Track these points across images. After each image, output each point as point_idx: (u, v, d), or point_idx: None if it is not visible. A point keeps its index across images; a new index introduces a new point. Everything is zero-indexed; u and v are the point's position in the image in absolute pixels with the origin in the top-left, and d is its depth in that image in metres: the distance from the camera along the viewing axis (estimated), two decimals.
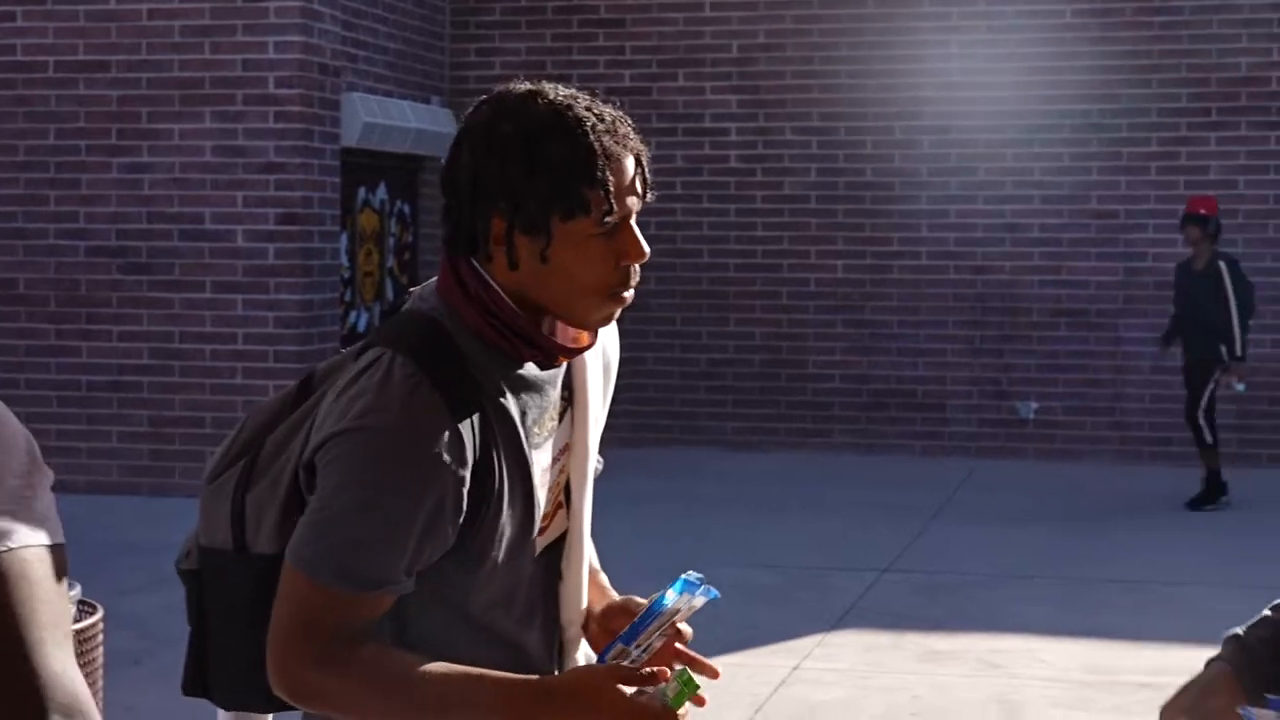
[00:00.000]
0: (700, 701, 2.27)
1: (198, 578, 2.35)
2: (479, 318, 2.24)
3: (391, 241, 14.45)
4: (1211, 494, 12.18)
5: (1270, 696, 2.34)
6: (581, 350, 2.34)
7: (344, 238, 13.29)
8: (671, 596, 2.29)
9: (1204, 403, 12.31)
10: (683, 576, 2.30)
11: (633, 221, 2.26)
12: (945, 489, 12.75)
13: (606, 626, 2.48)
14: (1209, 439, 12.27)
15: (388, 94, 13.95)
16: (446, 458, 2.16)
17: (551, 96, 2.23)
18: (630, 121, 2.29)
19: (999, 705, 6.98)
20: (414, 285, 15.10)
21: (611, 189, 2.20)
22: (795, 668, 7.29)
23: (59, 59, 12.24)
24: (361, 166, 13.60)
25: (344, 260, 13.31)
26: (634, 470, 12.77)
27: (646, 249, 2.26)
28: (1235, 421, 13.84)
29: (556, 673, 2.38)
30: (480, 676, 2.20)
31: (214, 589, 2.33)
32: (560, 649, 2.46)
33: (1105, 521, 11.42)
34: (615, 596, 2.57)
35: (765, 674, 7.17)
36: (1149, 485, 12.92)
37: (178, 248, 12.15)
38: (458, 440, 2.17)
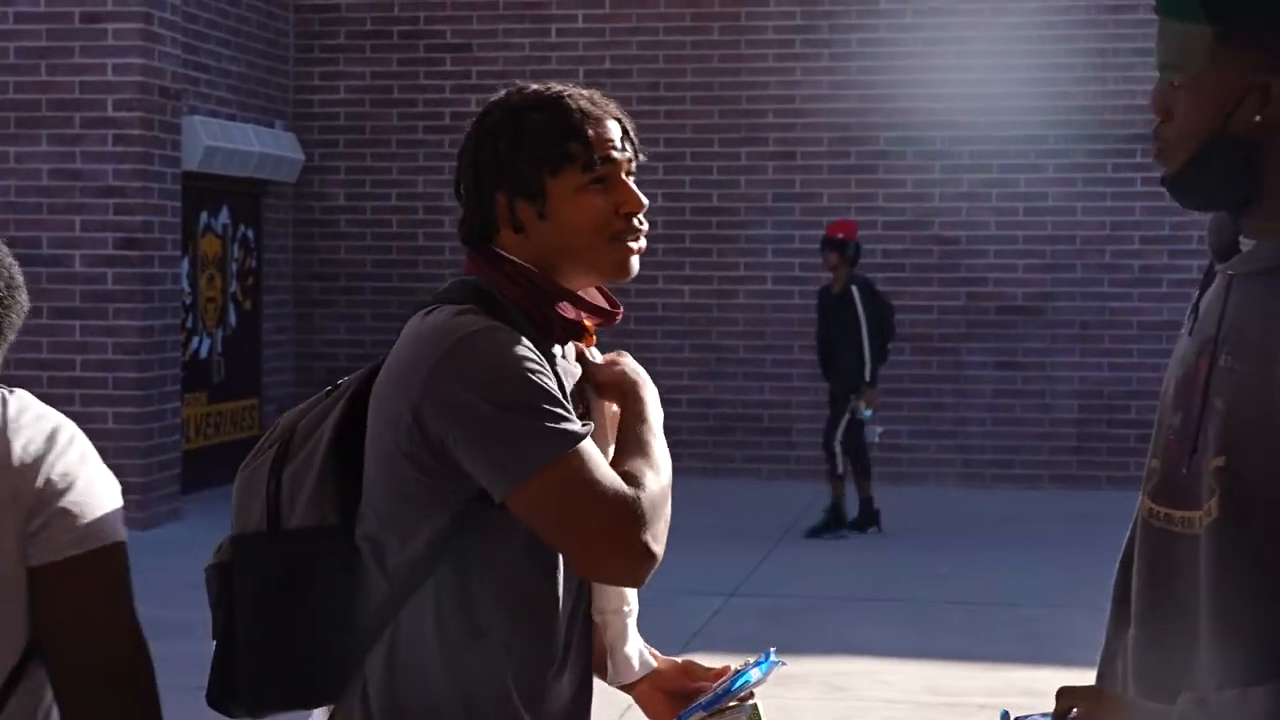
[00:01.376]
0: None
1: (225, 572, 2.38)
2: (513, 286, 2.40)
3: (234, 266, 14.30)
4: (835, 522, 12.13)
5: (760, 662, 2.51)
6: (608, 316, 2.53)
7: (185, 263, 13.13)
8: (756, 675, 2.49)
9: (840, 430, 12.21)
10: (770, 654, 2.52)
11: (625, 176, 2.46)
12: (791, 512, 12.85)
13: (661, 686, 2.69)
14: (839, 469, 12.19)
15: (230, 117, 13.83)
16: (529, 351, 2.31)
17: (534, 86, 2.50)
18: (612, 100, 2.51)
19: None
20: (257, 310, 14.91)
21: (592, 141, 2.41)
22: (630, 706, 7.30)
23: None
24: (203, 190, 13.45)
25: (185, 286, 13.16)
26: None
27: (644, 200, 2.46)
28: (1075, 444, 14.09)
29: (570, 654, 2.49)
30: (623, 436, 2.45)
31: (244, 577, 2.36)
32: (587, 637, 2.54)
33: (947, 543, 11.58)
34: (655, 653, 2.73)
35: (612, 696, 7.17)
36: (990, 507, 13.10)
37: None
38: (532, 352, 2.31)
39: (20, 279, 2.30)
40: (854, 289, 12.04)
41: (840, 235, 12.16)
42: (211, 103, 13.58)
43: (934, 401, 14.52)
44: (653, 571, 2.30)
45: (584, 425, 2.31)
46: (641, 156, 2.51)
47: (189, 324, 13.33)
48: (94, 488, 2.14)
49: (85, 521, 2.09)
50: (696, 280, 14.54)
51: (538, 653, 2.38)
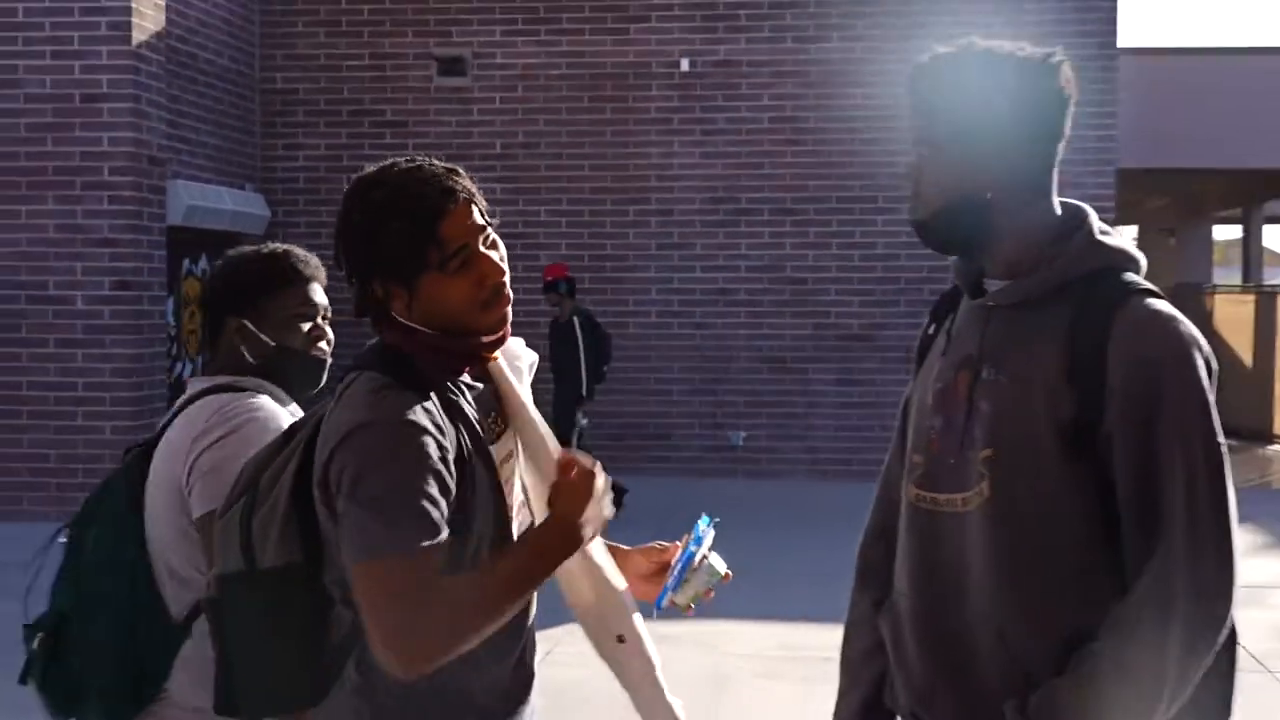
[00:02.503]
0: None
1: (218, 605, 2.31)
2: (408, 341, 2.28)
3: None
4: None
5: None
6: (501, 339, 2.36)
7: (171, 301, 12.99)
8: (705, 542, 2.46)
9: (574, 437, 11.87)
10: (702, 518, 2.48)
11: (481, 248, 2.28)
12: (668, 503, 12.86)
13: (635, 573, 2.60)
14: None
15: (208, 181, 13.71)
16: (428, 426, 2.16)
17: (391, 184, 2.27)
18: (462, 171, 2.32)
19: (711, 678, 7.09)
20: None
21: (445, 240, 2.23)
22: (549, 652, 7.31)
23: None
24: (186, 241, 13.31)
25: (170, 320, 13.01)
26: None
27: (503, 267, 2.30)
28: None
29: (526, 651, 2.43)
30: (514, 549, 2.24)
31: (232, 609, 2.30)
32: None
33: (798, 528, 11.65)
34: (627, 550, 2.64)
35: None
36: (834, 498, 13.18)
37: (25, 310, 11.77)
38: (431, 419, 2.18)
39: None
40: (575, 320, 11.93)
41: (549, 278, 12.12)
42: (192, 169, 13.45)
43: (787, 412, 14.62)
44: (425, 667, 2.10)
45: (429, 537, 2.10)
46: (494, 220, 2.34)
47: (174, 352, 13.18)
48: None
49: None
50: (595, 314, 14.55)
51: (489, 650, 2.28)
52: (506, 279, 2.32)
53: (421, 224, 2.24)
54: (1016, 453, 2.17)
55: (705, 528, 2.47)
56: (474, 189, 2.32)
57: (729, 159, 14.63)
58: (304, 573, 2.24)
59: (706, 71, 14.68)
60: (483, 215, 2.31)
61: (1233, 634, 2.21)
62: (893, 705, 2.42)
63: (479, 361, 2.36)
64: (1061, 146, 2.26)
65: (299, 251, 3.07)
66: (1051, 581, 2.16)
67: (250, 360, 2.96)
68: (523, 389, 2.44)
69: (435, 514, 2.12)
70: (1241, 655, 2.11)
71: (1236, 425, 17.53)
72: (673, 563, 2.50)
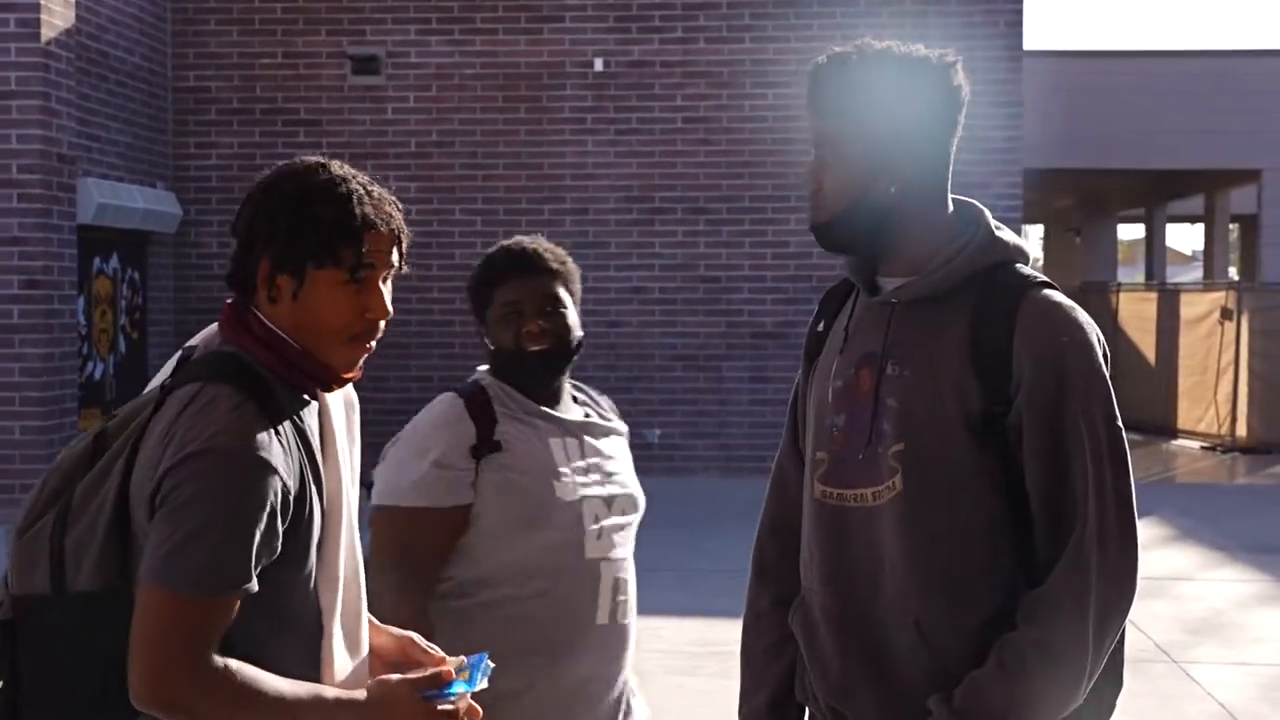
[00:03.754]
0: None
1: (9, 629, 2.08)
2: (266, 353, 2.13)
3: (123, 303, 13.96)
4: None
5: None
6: (350, 379, 2.24)
7: (81, 300, 12.79)
8: (483, 683, 2.22)
9: None
10: (483, 660, 2.25)
11: (381, 284, 2.18)
12: None
13: (382, 657, 2.38)
14: None
15: (119, 179, 13.52)
16: (277, 467, 2.04)
17: (334, 172, 2.17)
18: (398, 205, 2.23)
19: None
20: (143, 339, 14.57)
21: (364, 250, 2.13)
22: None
23: None
24: (97, 240, 13.11)
25: (81, 319, 12.81)
26: None
27: (390, 309, 2.19)
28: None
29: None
30: (312, 688, 2.09)
31: (30, 634, 2.07)
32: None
33: (713, 524, 11.69)
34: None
35: None
36: (748, 494, 13.20)
37: None
38: (281, 453, 2.06)
39: None
40: None
41: None
42: (103, 167, 13.26)
43: (701, 409, 14.67)
44: (160, 711, 1.99)
45: (233, 589, 1.98)
46: (406, 268, 2.23)
47: (85, 351, 12.98)
48: None
49: None
50: None
51: (308, 666, 2.16)
52: (382, 328, 2.21)
53: (352, 220, 2.13)
54: (927, 446, 2.20)
55: (484, 675, 2.25)
56: (406, 234, 2.24)
57: (643, 158, 14.65)
58: (120, 596, 2.04)
59: (620, 71, 14.69)
60: (400, 260, 2.22)
61: None
62: (804, 700, 2.43)
63: (328, 389, 2.22)
64: (955, 144, 2.29)
65: (518, 244, 3.03)
66: (965, 571, 2.20)
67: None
68: (342, 432, 2.29)
69: (250, 566, 2.01)
70: (1147, 646, 2.18)
71: (1140, 420, 17.83)
72: (443, 688, 2.19)
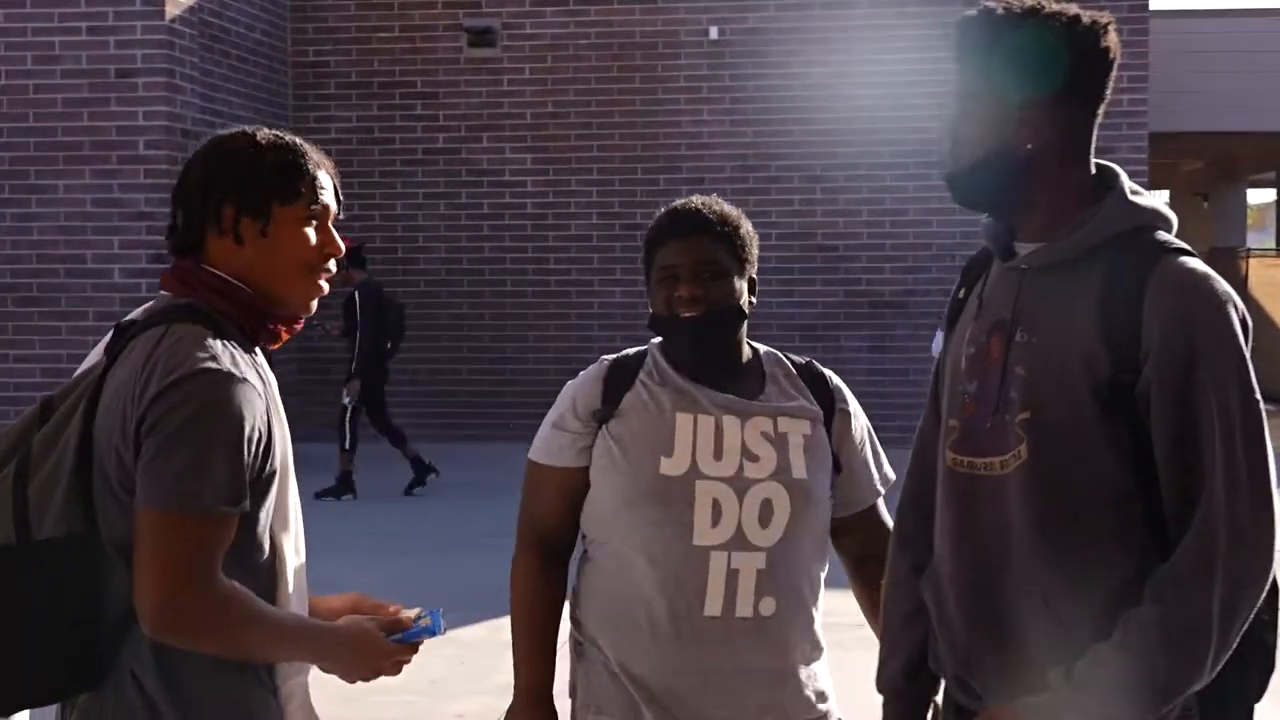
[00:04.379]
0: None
1: None
2: (219, 299, 2.21)
3: None
4: (341, 488, 11.41)
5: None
6: (297, 329, 2.33)
7: None
8: (444, 629, 2.37)
9: (343, 425, 11.40)
10: (438, 616, 2.37)
11: (330, 223, 2.31)
12: None
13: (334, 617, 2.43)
14: (347, 444, 11.38)
15: None
16: (260, 392, 2.14)
17: (267, 131, 2.33)
18: (321, 153, 2.36)
19: None
20: None
21: (316, 186, 2.28)
22: None
23: None
24: None
25: None
26: (452, 462, 12.72)
27: (342, 246, 2.32)
28: None
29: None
30: (297, 617, 2.22)
31: None
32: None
33: None
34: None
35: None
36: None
37: (64, 284, 11.86)
38: (255, 380, 2.15)
39: None
40: (356, 294, 11.32)
41: None
42: None
43: None
44: (172, 635, 2.04)
45: (233, 504, 2.06)
46: (341, 211, 2.35)
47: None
48: None
49: None
50: (625, 283, 14.55)
51: None
52: (336, 267, 2.32)
53: (304, 161, 2.27)
54: (1054, 414, 2.17)
55: (442, 625, 2.37)
56: (338, 181, 2.37)
57: (759, 127, 14.57)
58: (86, 542, 2.08)
59: (735, 39, 14.62)
60: (339, 205, 2.35)
61: (1275, 588, 2.20)
62: (937, 669, 2.41)
63: (274, 339, 2.29)
64: (1102, 109, 2.25)
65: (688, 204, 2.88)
66: (1091, 542, 2.16)
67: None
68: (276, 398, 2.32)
69: (245, 482, 2.08)
70: None
71: (1273, 390, 17.43)
72: (407, 631, 2.36)
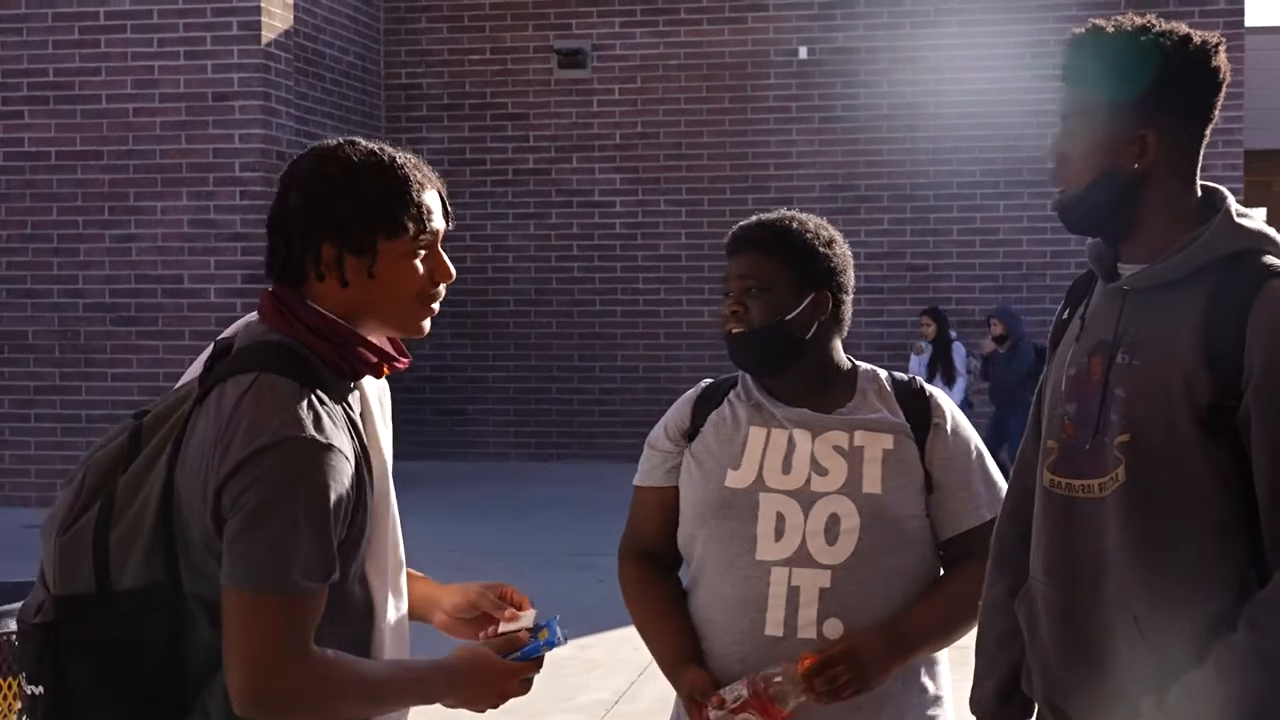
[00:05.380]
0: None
1: (52, 630, 2.01)
2: (317, 340, 2.10)
3: None
4: None
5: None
6: (399, 367, 2.23)
7: None
8: (562, 640, 2.29)
9: None
10: (554, 622, 2.30)
11: (439, 247, 2.19)
12: None
13: (454, 614, 2.43)
14: None
15: None
16: (347, 453, 2.04)
17: (362, 145, 2.16)
18: (426, 165, 2.23)
19: None
20: None
21: (422, 212, 2.14)
22: None
23: (60, 149, 12.13)
24: None
25: None
26: (542, 481, 12.76)
27: (453, 271, 2.20)
28: None
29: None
30: (400, 665, 2.15)
31: (74, 636, 2.01)
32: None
33: None
34: (442, 587, 2.47)
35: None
36: None
37: (161, 304, 12.04)
38: (346, 440, 2.06)
39: None
40: None
41: None
42: None
43: None
44: (271, 716, 1.99)
45: (320, 580, 1.99)
46: (451, 224, 2.22)
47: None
48: None
49: None
50: (713, 303, 14.53)
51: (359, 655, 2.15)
52: (443, 291, 2.21)
53: (406, 187, 2.12)
54: (1153, 438, 2.13)
55: (561, 634, 2.29)
56: (445, 192, 2.23)
57: (848, 146, 14.52)
58: (166, 592, 2.01)
59: (824, 59, 14.58)
60: (448, 218, 2.21)
61: None
62: (1029, 692, 2.38)
63: (378, 375, 2.19)
64: (1210, 130, 2.22)
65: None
66: (1189, 568, 2.12)
67: None
68: (382, 424, 2.26)
69: (334, 552, 2.01)
70: None
71: None
72: (524, 649, 2.28)
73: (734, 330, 2.72)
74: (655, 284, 14.87)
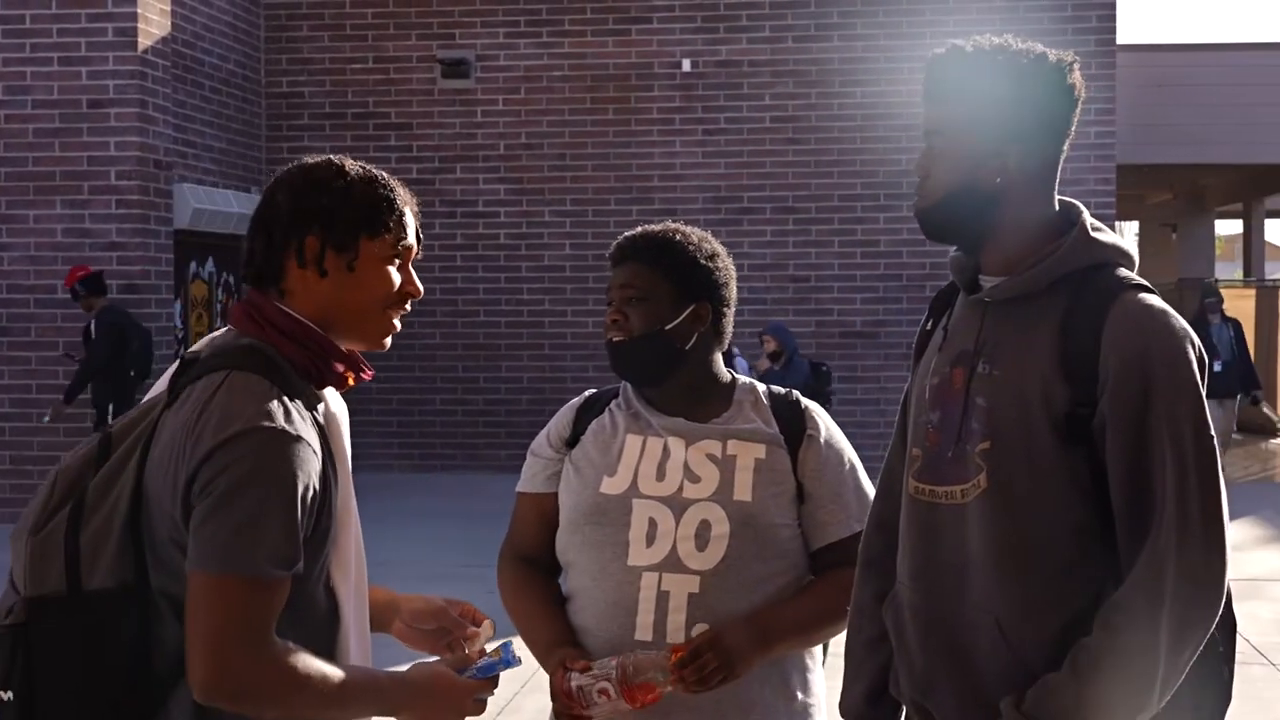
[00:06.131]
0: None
1: (22, 632, 2.02)
2: (288, 343, 2.15)
3: (219, 307, 14.17)
4: None
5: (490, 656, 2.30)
6: (365, 378, 2.25)
7: (178, 304, 13.00)
8: (517, 661, 2.30)
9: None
10: (510, 645, 2.31)
11: (410, 264, 2.26)
12: None
13: (413, 624, 2.47)
14: None
15: (214, 184, 13.73)
16: (316, 448, 2.08)
17: (349, 161, 2.25)
18: (404, 187, 2.29)
19: None
20: None
21: (404, 224, 2.22)
22: None
23: None
24: (192, 245, 13.33)
25: (178, 323, 13.03)
26: (425, 492, 12.69)
27: (421, 289, 2.27)
28: None
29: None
30: (363, 671, 2.15)
31: (46, 637, 2.02)
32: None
33: None
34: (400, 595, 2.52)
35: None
36: None
37: (34, 314, 11.80)
38: (314, 437, 2.10)
39: None
40: (92, 321, 10.82)
41: (65, 283, 11.08)
42: (198, 172, 13.47)
43: None
44: (229, 701, 1.99)
45: (286, 567, 2.00)
46: (420, 251, 2.29)
47: (182, 354, 13.18)
48: None
49: None
50: (597, 313, 14.55)
51: (323, 656, 2.14)
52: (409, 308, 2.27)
53: (393, 196, 2.22)
54: (1013, 445, 2.19)
55: (516, 654, 2.31)
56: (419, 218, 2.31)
57: (731, 158, 14.64)
58: (135, 595, 2.03)
59: (708, 71, 14.69)
60: (418, 238, 2.28)
61: (1232, 622, 2.23)
62: (897, 695, 2.43)
63: (341, 384, 2.22)
64: (1067, 145, 2.29)
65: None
66: (1048, 572, 2.18)
67: None
68: (344, 437, 2.28)
69: (299, 543, 2.03)
70: (1244, 648, 2.13)
71: (1239, 419, 17.52)
72: (478, 664, 2.29)
73: (614, 339, 2.76)
74: (539, 295, 14.87)
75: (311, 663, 2.04)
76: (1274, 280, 21.44)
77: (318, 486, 2.07)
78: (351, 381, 2.23)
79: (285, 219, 2.17)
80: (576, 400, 2.92)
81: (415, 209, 2.28)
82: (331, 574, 2.17)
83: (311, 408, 2.15)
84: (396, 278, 2.22)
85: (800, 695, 2.76)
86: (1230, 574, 2.19)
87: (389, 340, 2.26)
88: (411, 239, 2.24)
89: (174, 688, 2.04)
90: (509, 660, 2.29)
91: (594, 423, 2.82)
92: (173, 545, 2.04)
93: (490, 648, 2.34)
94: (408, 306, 2.25)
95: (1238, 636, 2.28)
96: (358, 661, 2.22)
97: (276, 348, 2.14)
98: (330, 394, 2.25)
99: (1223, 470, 2.19)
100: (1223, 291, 20.22)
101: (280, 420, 2.03)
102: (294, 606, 2.06)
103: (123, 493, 2.07)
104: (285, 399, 2.07)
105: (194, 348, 2.24)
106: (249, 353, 2.12)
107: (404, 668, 2.24)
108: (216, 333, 2.25)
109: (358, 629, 2.24)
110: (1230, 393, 13.27)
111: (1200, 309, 13.50)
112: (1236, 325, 13.56)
